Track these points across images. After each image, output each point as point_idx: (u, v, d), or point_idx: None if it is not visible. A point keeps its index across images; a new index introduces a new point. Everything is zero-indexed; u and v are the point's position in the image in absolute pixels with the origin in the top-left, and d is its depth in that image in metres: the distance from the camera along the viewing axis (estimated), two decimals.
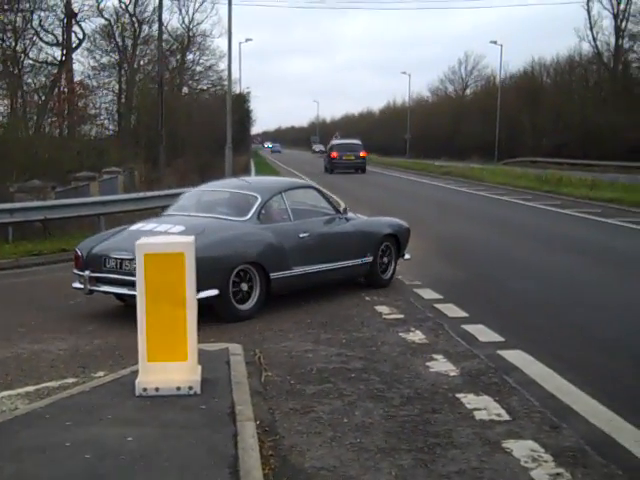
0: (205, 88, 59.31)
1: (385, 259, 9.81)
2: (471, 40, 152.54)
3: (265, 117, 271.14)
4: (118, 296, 8.40)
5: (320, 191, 10.08)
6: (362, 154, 43.72)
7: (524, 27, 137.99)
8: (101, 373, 6.07)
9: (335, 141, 48.25)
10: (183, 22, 57.46)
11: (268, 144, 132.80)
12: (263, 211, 8.60)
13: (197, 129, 42.25)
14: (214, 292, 7.56)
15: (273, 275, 8.16)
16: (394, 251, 9.96)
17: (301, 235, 8.71)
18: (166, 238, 5.44)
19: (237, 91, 60.02)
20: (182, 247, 5.16)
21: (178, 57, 56.25)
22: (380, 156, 72.17)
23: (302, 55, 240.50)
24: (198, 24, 57.62)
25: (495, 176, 35.75)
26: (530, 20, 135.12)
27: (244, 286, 7.94)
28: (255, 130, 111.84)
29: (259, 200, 8.64)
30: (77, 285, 8.29)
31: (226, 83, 31.95)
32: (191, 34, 57.37)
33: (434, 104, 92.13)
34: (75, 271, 8.33)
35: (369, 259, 9.50)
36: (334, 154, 43.33)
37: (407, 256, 10.27)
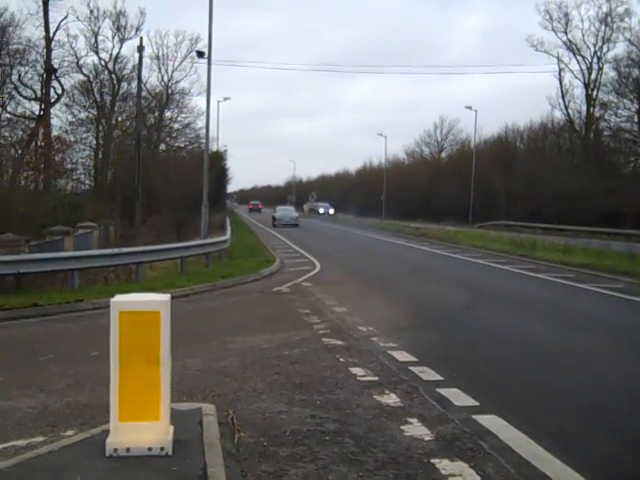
0: (182, 145, 59.67)
1: None
2: (449, 106, 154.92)
3: (243, 176, 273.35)
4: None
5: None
6: (260, 206, 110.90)
7: (498, 94, 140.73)
8: (71, 432, 5.94)
9: (252, 201, 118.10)
10: (162, 80, 58.09)
11: (321, 208, 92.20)
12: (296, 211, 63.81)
13: (173, 186, 42.42)
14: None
15: None
16: None
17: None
18: (142, 296, 5.37)
19: (214, 149, 60.45)
20: (158, 305, 5.11)
21: (156, 114, 56.64)
22: (355, 216, 72.90)
23: (299, 117, 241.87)
24: (177, 82, 58.26)
25: (470, 239, 36.05)
26: (504, 87, 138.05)
27: None
28: (231, 188, 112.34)
29: (294, 208, 67.40)
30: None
31: (203, 141, 32.09)
32: (170, 92, 57.95)
33: (410, 166, 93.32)
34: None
35: None
36: (251, 206, 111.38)
37: None
